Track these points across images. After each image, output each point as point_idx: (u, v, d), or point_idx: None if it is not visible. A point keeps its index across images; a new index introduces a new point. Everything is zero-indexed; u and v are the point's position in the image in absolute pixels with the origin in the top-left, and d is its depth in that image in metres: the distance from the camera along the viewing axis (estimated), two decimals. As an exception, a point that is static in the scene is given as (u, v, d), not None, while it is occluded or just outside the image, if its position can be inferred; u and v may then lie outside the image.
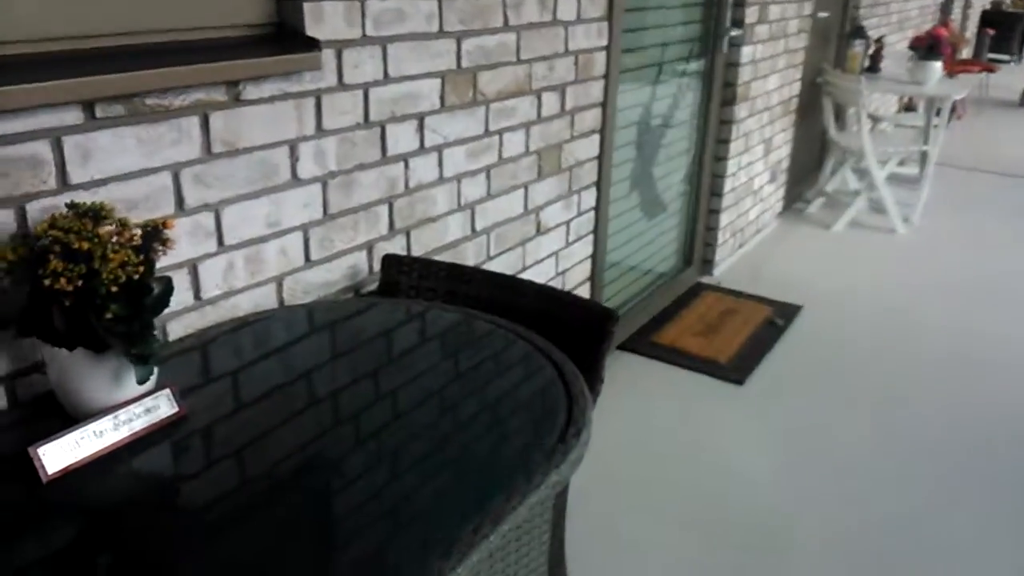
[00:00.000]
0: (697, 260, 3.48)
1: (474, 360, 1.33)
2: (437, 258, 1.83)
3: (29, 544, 0.90)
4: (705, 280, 3.52)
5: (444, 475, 1.04)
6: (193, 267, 1.35)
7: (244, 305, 1.45)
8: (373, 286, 1.68)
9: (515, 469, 1.04)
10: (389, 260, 1.61)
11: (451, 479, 1.03)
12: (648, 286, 3.17)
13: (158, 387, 1.10)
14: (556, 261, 2.35)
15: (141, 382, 1.05)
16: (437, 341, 1.40)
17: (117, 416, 1.05)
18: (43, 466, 0.97)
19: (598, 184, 2.44)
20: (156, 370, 1.09)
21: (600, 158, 2.41)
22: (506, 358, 1.33)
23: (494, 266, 2.06)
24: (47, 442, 0.98)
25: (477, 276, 1.55)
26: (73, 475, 0.99)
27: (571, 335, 1.35)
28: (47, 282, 0.95)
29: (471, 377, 1.27)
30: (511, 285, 1.51)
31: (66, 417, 1.06)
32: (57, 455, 0.98)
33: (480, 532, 0.90)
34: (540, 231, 2.23)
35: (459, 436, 1.12)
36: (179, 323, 1.35)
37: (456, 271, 1.57)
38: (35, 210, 1.09)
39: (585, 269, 2.52)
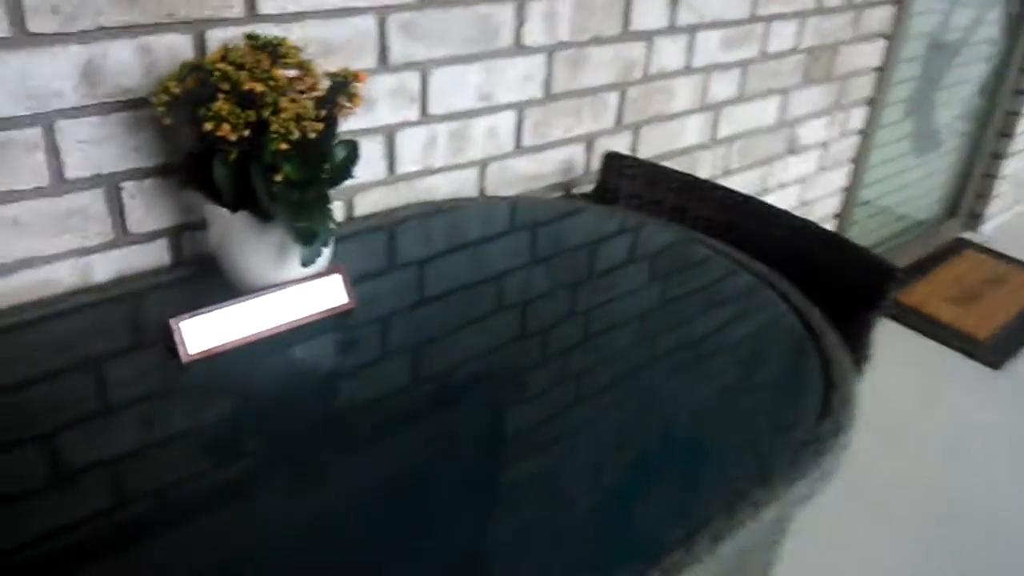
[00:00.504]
0: (963, 212, 2.92)
1: (703, 302, 1.06)
2: (666, 164, 1.54)
3: (152, 431, 0.76)
4: (969, 236, 2.96)
5: (635, 432, 0.80)
6: (390, 135, 1.15)
7: (441, 188, 1.25)
8: (587, 187, 1.43)
9: (744, 458, 0.77)
10: (612, 160, 1.35)
11: (644, 444, 0.79)
12: (899, 233, 2.69)
13: (329, 270, 0.93)
14: (802, 188, 1.97)
15: (306, 264, 0.87)
16: (658, 267, 1.13)
17: (276, 298, 0.88)
18: (183, 343, 0.82)
19: (872, 102, 2.01)
20: (328, 251, 0.91)
21: (882, 70, 1.97)
22: (745, 307, 1.04)
23: (729, 184, 1.74)
24: (191, 316, 0.83)
25: (717, 195, 1.25)
26: (217, 359, 0.84)
27: (831, 291, 1.04)
28: (208, 126, 0.78)
29: (695, 320, 1.01)
30: (762, 213, 1.20)
31: (226, 288, 0.91)
32: (202, 333, 0.83)
33: (691, 548, 0.65)
34: (791, 150, 1.86)
35: (669, 390, 0.87)
36: (365, 198, 1.17)
37: (692, 184, 1.27)
38: (216, 39, 0.93)
39: (834, 203, 2.12)
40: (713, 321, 1.01)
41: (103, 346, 0.86)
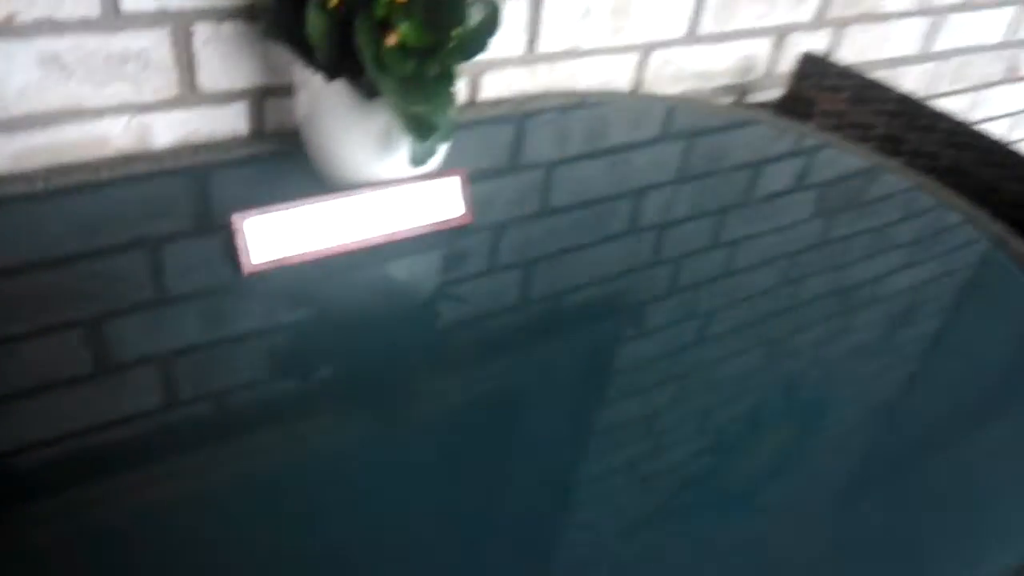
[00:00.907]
0: None
1: (910, 262, 0.80)
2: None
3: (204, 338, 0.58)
4: None
5: (752, 386, 0.64)
6: (535, 1, 0.90)
7: (587, 76, 1.00)
8: (768, 95, 1.15)
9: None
10: (809, 64, 1.05)
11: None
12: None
13: (443, 172, 0.71)
14: (1010, 124, 1.62)
15: (416, 164, 0.65)
16: (839, 202, 0.88)
17: (371, 200, 0.67)
18: (247, 249, 0.62)
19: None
20: (444, 148, 0.69)
21: None
22: (965, 274, 0.78)
23: (930, 110, 1.41)
24: (260, 213, 0.63)
25: (944, 125, 0.95)
26: (287, 273, 0.65)
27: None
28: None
29: (894, 275, 0.77)
30: (999, 154, 0.91)
31: (311, 178, 0.70)
32: (272, 237, 0.63)
33: None
34: (1009, 76, 1.50)
35: (802, 343, 0.69)
36: (495, 79, 0.93)
37: (913, 108, 0.98)
38: None
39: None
40: (919, 289, 0.76)
41: (150, 229, 0.67)
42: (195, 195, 0.73)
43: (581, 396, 0.62)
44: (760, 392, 0.65)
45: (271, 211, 0.63)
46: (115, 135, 0.73)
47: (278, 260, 0.64)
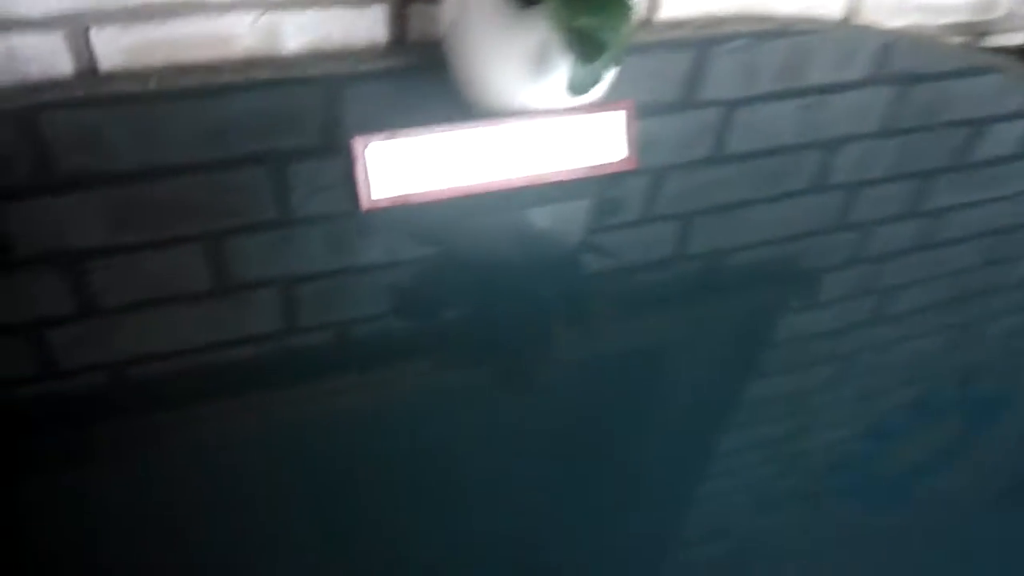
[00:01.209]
0: None
1: None
2: None
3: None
4: None
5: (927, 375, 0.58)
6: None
7: (789, 1, 0.83)
8: (1013, 38, 0.93)
9: None
10: (1076, -1, 0.84)
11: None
12: None
13: (607, 104, 0.58)
14: None
15: (576, 92, 0.53)
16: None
17: (520, 132, 0.56)
18: (367, 180, 0.53)
19: None
20: (610, 75, 0.56)
21: None
22: None
23: None
24: (387, 138, 0.53)
25: None
26: (414, 212, 0.55)
27: None
28: None
29: None
30: None
31: (453, 99, 0.60)
32: (400, 168, 0.53)
33: None
34: None
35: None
36: (677, -4, 0.79)
37: None
38: None
39: None
40: None
41: (270, 144, 0.59)
42: (322, 109, 0.64)
43: (730, 366, 0.55)
44: (932, 381, 0.58)
45: (400, 137, 0.53)
46: (240, 34, 0.65)
47: (404, 196, 0.54)
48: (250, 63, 0.65)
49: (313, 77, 0.65)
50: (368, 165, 0.52)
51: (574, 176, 0.58)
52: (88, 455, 0.44)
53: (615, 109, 0.58)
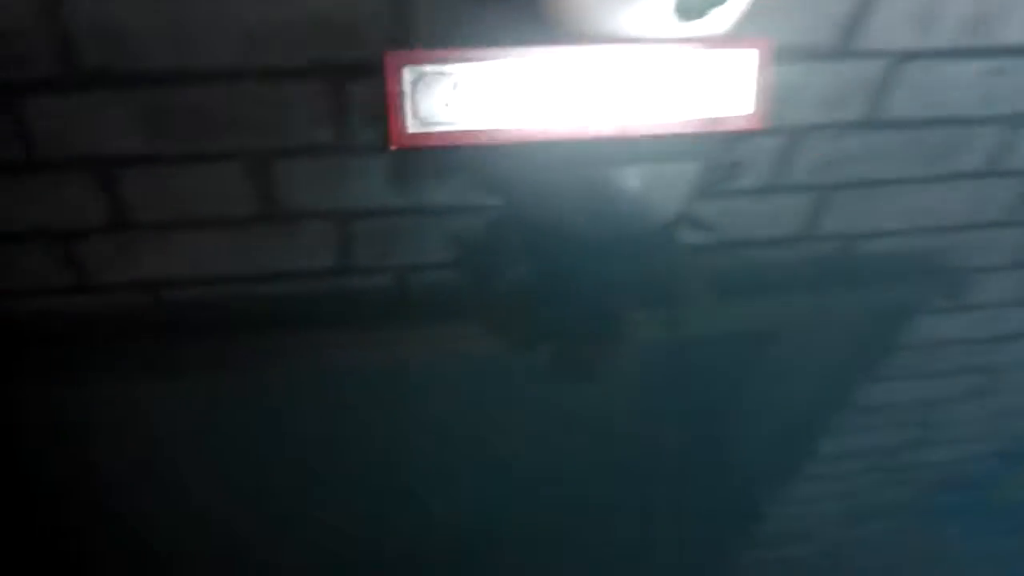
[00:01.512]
0: None
1: None
2: None
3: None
4: None
5: None
6: None
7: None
8: None
9: None
10: None
11: None
12: None
13: (731, 39, 0.45)
14: None
15: (686, 15, 0.39)
16: None
17: (613, 65, 0.43)
18: (401, 112, 0.41)
19: None
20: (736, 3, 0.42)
21: None
22: None
23: None
24: (430, 59, 0.41)
25: None
26: (460, 157, 0.44)
27: None
28: None
29: None
30: None
31: (535, 19, 0.48)
32: (445, 99, 0.42)
33: None
34: None
35: None
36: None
37: None
38: None
39: None
40: None
41: (322, 52, 0.50)
42: (388, 17, 0.53)
43: (848, 363, 0.47)
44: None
45: (450, 59, 0.41)
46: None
47: (452, 134, 0.42)
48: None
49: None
50: (404, 90, 0.41)
51: (682, 130, 0.45)
52: (118, 374, 0.40)
53: (744, 47, 0.44)
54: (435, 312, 0.44)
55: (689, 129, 0.46)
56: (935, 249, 0.53)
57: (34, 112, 0.47)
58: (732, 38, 0.45)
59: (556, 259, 0.44)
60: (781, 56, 0.49)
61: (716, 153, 0.48)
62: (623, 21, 0.42)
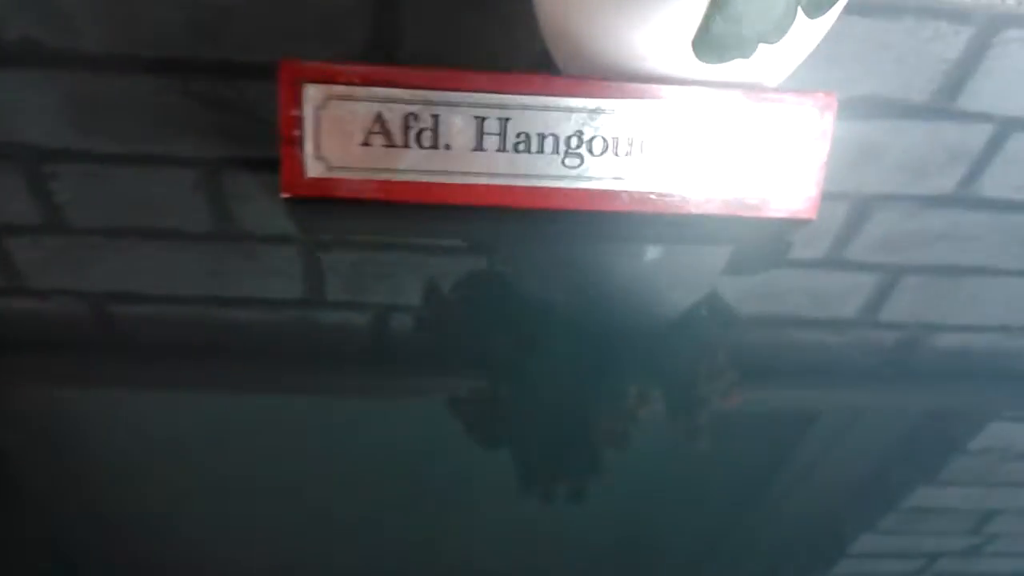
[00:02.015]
0: None
1: None
2: None
3: None
4: None
5: None
6: None
7: None
8: None
9: None
10: None
11: None
12: None
13: (788, 89, 0.32)
14: None
15: (707, 55, 0.26)
16: None
17: (627, 112, 0.30)
18: (298, 151, 0.29)
19: None
20: (795, 39, 0.29)
21: None
22: None
23: None
24: (345, 72, 0.29)
25: None
26: (379, 214, 0.32)
27: None
28: None
29: None
30: None
31: (526, 32, 0.35)
32: (357, 138, 0.30)
33: None
34: None
35: None
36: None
37: None
38: None
39: None
40: None
41: (282, 50, 0.38)
42: (363, 13, 0.41)
43: (894, 462, 0.38)
44: None
45: (380, 78, 0.29)
46: None
47: (370, 185, 0.30)
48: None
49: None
50: (303, 117, 0.29)
51: (710, 210, 0.33)
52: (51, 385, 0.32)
53: (803, 100, 0.32)
54: (414, 359, 0.35)
55: (719, 210, 0.33)
56: (1014, 351, 0.40)
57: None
58: (787, 88, 0.33)
59: (545, 345, 0.32)
60: (854, 108, 0.37)
61: (757, 238, 0.36)
62: (644, 58, 0.29)
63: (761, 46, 0.25)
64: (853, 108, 0.40)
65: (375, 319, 0.34)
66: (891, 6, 0.45)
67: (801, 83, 0.40)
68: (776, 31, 0.25)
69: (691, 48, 0.25)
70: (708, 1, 0.24)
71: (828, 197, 0.39)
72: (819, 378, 0.39)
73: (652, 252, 0.36)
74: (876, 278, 0.40)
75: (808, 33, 0.31)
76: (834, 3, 0.26)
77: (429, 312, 0.32)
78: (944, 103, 0.44)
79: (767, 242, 0.37)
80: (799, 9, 0.25)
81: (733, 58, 0.25)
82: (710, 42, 0.25)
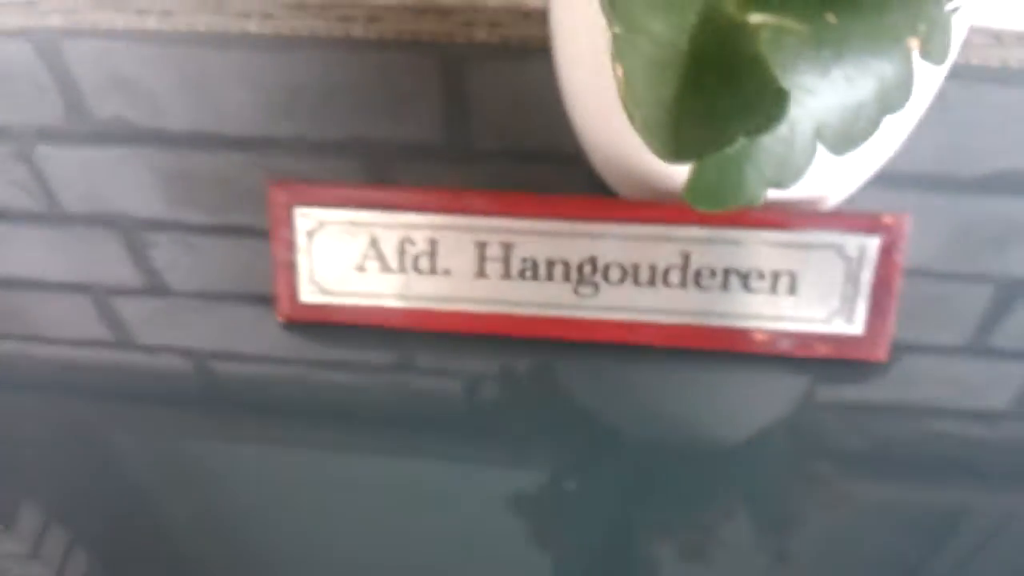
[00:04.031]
0: None
1: None
2: None
3: None
4: None
5: None
6: None
7: None
8: None
9: None
10: None
11: None
12: None
13: (846, 217, 0.27)
14: None
15: (700, 201, 0.23)
16: None
17: (637, 239, 0.27)
18: (292, 276, 0.28)
19: None
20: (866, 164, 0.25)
21: None
22: None
23: None
24: (339, 200, 0.27)
25: None
26: (383, 343, 0.30)
27: None
28: None
29: None
30: None
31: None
32: (352, 262, 0.28)
33: None
34: None
35: None
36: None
37: None
38: None
39: None
40: None
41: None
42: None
43: None
44: None
45: (374, 202, 0.27)
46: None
47: (368, 311, 0.29)
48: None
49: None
50: (295, 242, 0.27)
51: (747, 348, 0.29)
52: None
53: (860, 229, 0.27)
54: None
55: (763, 347, 0.29)
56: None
57: None
58: (843, 213, 0.28)
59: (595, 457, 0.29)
60: (996, 182, 0.31)
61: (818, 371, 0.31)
62: (669, 177, 0.26)
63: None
64: (995, 182, 0.34)
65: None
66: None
67: (930, 154, 0.35)
68: (789, 176, 0.21)
69: (685, 196, 0.21)
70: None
71: (968, 279, 0.33)
72: (964, 473, 0.33)
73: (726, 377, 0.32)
74: None
75: (881, 144, 0.26)
76: (869, 136, 0.21)
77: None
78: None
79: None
80: (818, 146, 0.21)
81: (737, 206, 0.21)
82: (704, 189, 0.21)
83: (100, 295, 0.34)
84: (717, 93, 0.17)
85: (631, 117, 0.17)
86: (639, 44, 0.17)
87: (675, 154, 0.18)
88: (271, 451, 0.28)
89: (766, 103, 0.17)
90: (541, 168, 0.37)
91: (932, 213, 0.35)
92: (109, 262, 0.34)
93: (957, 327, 0.33)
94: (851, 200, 0.30)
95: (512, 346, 0.29)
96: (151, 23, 0.42)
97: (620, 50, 0.17)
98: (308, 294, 0.28)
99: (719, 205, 0.21)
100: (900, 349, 0.31)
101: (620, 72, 0.17)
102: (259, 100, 0.39)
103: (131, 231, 0.36)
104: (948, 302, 0.33)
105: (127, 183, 0.37)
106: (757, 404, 0.31)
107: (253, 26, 0.41)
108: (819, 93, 0.20)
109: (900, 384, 0.30)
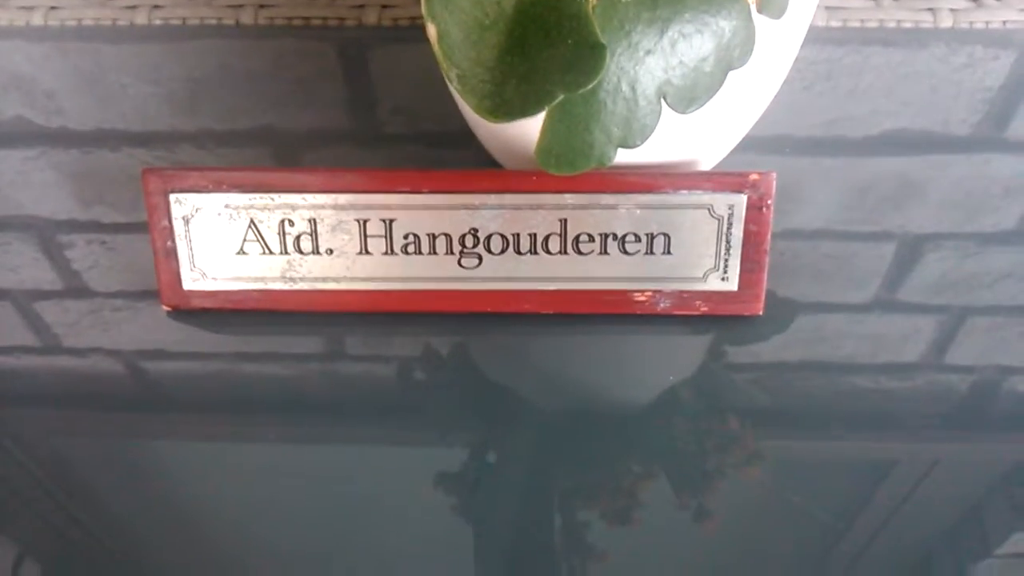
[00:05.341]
0: None
1: None
2: None
3: None
4: None
5: None
6: None
7: None
8: None
9: None
10: None
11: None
12: None
13: (717, 172, 0.28)
14: None
15: (552, 163, 0.23)
16: None
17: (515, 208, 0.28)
18: (171, 263, 0.28)
19: None
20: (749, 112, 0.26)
21: None
22: None
23: None
24: (216, 183, 0.28)
25: None
26: (258, 322, 0.30)
27: None
28: None
29: None
30: None
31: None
32: (233, 246, 0.28)
33: None
34: None
35: None
36: None
37: None
38: None
39: None
40: None
41: None
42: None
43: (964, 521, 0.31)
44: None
45: (250, 184, 0.27)
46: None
47: (256, 295, 0.29)
48: None
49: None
50: (172, 228, 0.27)
51: (629, 309, 0.29)
52: None
53: (727, 188, 0.28)
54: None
55: (656, 307, 0.30)
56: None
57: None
58: (715, 171, 0.29)
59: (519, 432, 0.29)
60: (888, 143, 0.32)
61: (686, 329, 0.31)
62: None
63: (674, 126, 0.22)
64: (887, 143, 0.35)
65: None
66: (915, 35, 0.40)
67: (826, 118, 0.36)
68: (635, 134, 0.22)
69: (536, 160, 0.22)
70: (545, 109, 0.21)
71: (871, 237, 0.34)
72: (884, 427, 0.34)
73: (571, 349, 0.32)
74: (936, 320, 0.34)
75: (743, 105, 0.27)
76: (713, 93, 0.22)
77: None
78: (991, 133, 0.38)
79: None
80: (663, 105, 0.22)
81: (587, 167, 0.22)
82: (554, 152, 0.21)
83: (20, 300, 0.34)
84: (539, 52, 0.18)
85: (448, 77, 0.18)
86: (459, 4, 0.17)
87: (496, 112, 0.18)
88: (185, 445, 0.28)
89: (584, 58, 0.17)
90: (448, 150, 0.37)
91: (829, 176, 0.36)
92: (26, 266, 0.34)
93: (865, 285, 0.34)
94: (737, 166, 0.30)
95: (400, 321, 0.30)
96: (37, 19, 0.41)
97: (432, 10, 0.17)
98: (191, 281, 0.28)
99: (570, 167, 0.22)
100: (794, 307, 0.31)
101: (433, 31, 0.17)
102: (160, 93, 0.38)
103: (45, 233, 0.35)
104: (851, 260, 0.34)
105: (35, 185, 0.36)
106: (652, 364, 0.32)
107: (141, 17, 0.40)
108: (658, 52, 0.21)
109: (785, 338, 0.31)
